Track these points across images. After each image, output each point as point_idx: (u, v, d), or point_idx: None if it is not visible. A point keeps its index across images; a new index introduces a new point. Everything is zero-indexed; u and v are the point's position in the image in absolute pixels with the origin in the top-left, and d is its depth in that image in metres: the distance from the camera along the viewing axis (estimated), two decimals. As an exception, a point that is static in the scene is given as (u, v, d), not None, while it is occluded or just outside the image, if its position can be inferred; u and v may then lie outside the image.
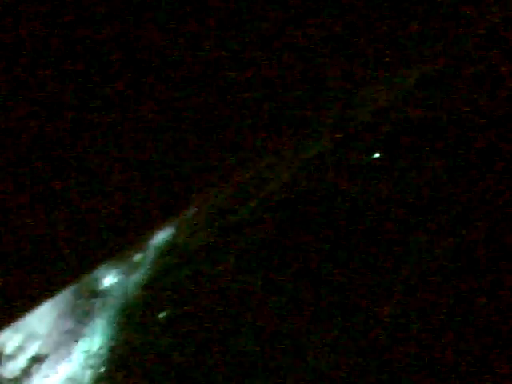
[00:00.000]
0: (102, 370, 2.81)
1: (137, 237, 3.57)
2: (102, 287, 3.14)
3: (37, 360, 3.00)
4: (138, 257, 3.17)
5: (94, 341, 2.91)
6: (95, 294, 3.13)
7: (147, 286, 2.98)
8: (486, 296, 2.37)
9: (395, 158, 2.74)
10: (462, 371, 2.30)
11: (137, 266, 3.12)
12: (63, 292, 3.21)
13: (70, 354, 2.93)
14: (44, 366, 2.96)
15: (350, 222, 2.68)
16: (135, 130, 3.77)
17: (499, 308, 2.34)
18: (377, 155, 2.77)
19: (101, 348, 2.88)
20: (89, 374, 2.80)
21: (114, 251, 3.60)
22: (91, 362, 2.84)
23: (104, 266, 3.21)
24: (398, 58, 3.35)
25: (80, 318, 3.05)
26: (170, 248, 3.04)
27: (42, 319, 3.17)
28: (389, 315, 2.45)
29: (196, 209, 3.14)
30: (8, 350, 3.12)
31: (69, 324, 3.05)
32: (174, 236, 3.08)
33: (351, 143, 2.86)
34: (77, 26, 3.52)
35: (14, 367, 3.05)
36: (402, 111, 2.86)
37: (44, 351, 3.02)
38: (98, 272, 3.19)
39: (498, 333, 2.31)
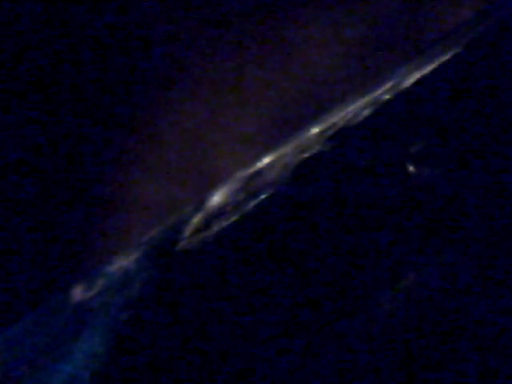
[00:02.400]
0: (102, 370, 2.80)
1: (136, 236, 3.57)
2: (102, 285, 3.14)
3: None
4: (138, 256, 3.17)
5: (94, 340, 2.91)
6: (95, 292, 3.13)
7: (147, 285, 2.98)
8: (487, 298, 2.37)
9: (395, 158, 2.74)
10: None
11: (137, 265, 3.12)
12: (64, 290, 3.22)
13: (69, 353, 2.93)
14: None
15: (349, 222, 2.68)
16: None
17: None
18: (376, 154, 2.77)
19: (101, 348, 2.87)
20: (89, 374, 2.80)
21: (114, 250, 3.60)
22: (91, 362, 2.84)
23: (103, 265, 3.21)
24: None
25: (80, 317, 3.05)
26: (169, 247, 3.04)
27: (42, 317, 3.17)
28: (390, 316, 2.45)
29: (195, 209, 3.14)
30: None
31: (68, 323, 3.05)
32: (174, 235, 3.08)
33: (350, 143, 2.86)
34: None
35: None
36: (403, 110, 2.86)
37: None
38: (96, 271, 3.19)
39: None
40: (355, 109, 3.00)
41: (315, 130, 3.08)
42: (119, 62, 4.07)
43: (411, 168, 2.71)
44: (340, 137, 2.91)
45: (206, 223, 3.00)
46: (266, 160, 3.14)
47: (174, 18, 4.02)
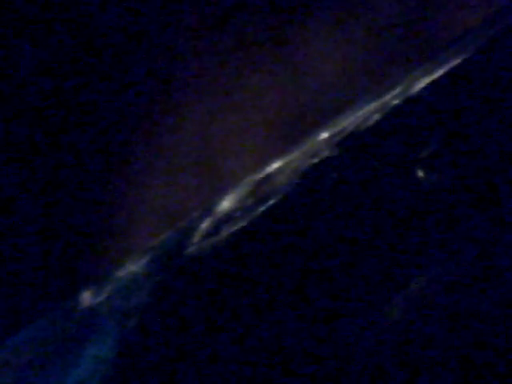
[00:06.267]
0: (111, 374, 2.81)
1: (145, 241, 3.58)
2: (110, 290, 3.14)
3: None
4: (147, 261, 3.17)
5: (103, 345, 2.91)
6: (103, 297, 3.13)
7: (156, 290, 2.98)
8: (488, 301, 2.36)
9: (397, 160, 2.74)
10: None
11: (146, 270, 3.13)
12: (73, 295, 3.22)
13: (77, 358, 2.93)
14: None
15: (358, 227, 2.68)
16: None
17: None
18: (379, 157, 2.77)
19: (109, 353, 2.88)
20: (97, 379, 2.80)
21: (122, 255, 3.60)
22: (99, 367, 2.84)
23: (111, 270, 3.21)
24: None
25: (88, 322, 3.06)
26: (178, 252, 3.05)
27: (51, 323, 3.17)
28: (391, 319, 2.45)
29: (204, 214, 3.14)
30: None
31: (76, 328, 3.05)
32: (182, 240, 3.08)
33: (360, 148, 2.86)
34: None
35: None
36: (412, 115, 2.86)
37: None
38: (105, 276, 3.20)
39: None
40: (365, 114, 3.00)
41: (324, 134, 3.08)
42: (119, 62, 4.08)
43: (421, 173, 2.71)
44: (349, 142, 2.91)
45: (215, 228, 3.00)
46: (275, 165, 3.14)
47: (175, 17, 4.02)
